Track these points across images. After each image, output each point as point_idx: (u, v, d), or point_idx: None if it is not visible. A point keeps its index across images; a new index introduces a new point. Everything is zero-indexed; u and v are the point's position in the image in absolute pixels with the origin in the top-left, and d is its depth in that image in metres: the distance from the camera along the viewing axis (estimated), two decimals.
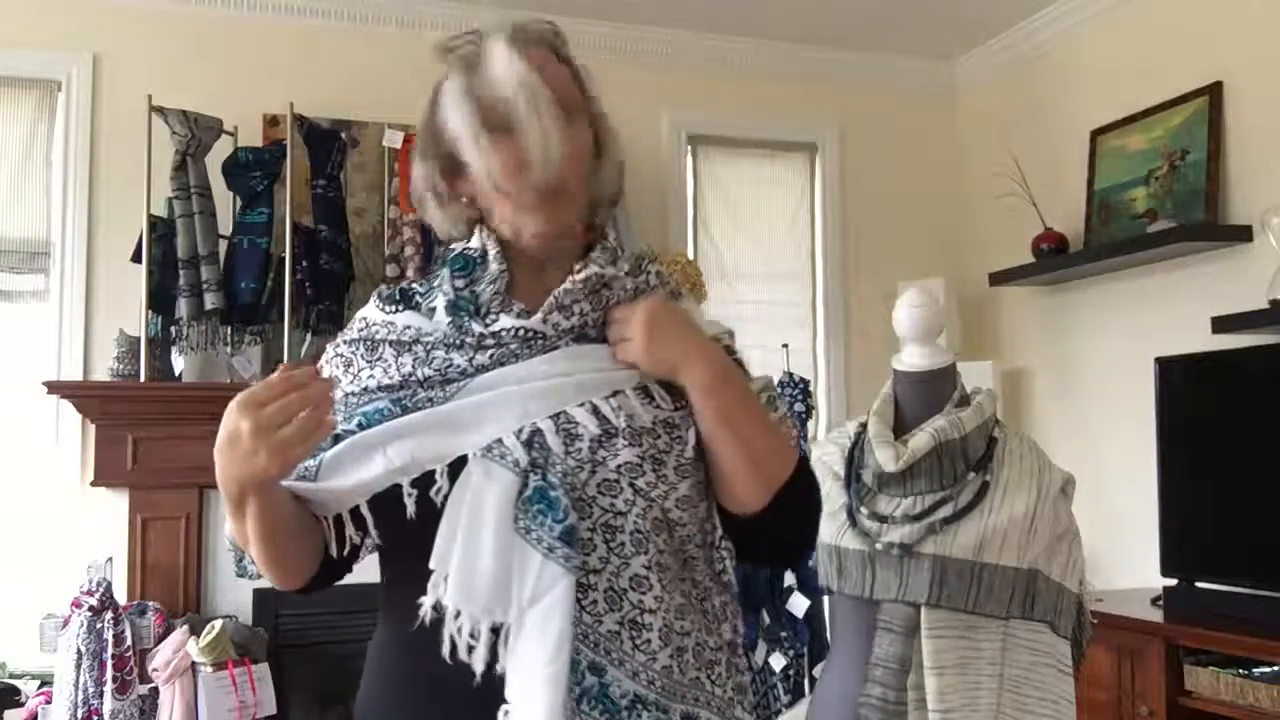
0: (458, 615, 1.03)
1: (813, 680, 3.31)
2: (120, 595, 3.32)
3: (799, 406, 3.56)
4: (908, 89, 4.65)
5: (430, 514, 1.07)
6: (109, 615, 3.13)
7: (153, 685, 3.20)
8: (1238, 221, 3.35)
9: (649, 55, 4.26)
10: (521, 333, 1.12)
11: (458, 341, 1.13)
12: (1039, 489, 1.72)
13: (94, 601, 3.12)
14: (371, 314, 1.20)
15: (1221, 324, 3.18)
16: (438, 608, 1.04)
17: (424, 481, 1.08)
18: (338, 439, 1.11)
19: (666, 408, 1.15)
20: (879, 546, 1.75)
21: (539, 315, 1.13)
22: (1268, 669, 2.64)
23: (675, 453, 1.13)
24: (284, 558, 1.11)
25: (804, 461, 1.21)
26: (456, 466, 1.08)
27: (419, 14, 4.03)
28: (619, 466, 1.09)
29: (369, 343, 1.16)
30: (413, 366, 1.13)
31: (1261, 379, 2.97)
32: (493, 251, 1.17)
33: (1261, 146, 3.32)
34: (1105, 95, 3.88)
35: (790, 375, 3.63)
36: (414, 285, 1.22)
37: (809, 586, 3.25)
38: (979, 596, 1.68)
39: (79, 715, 3.07)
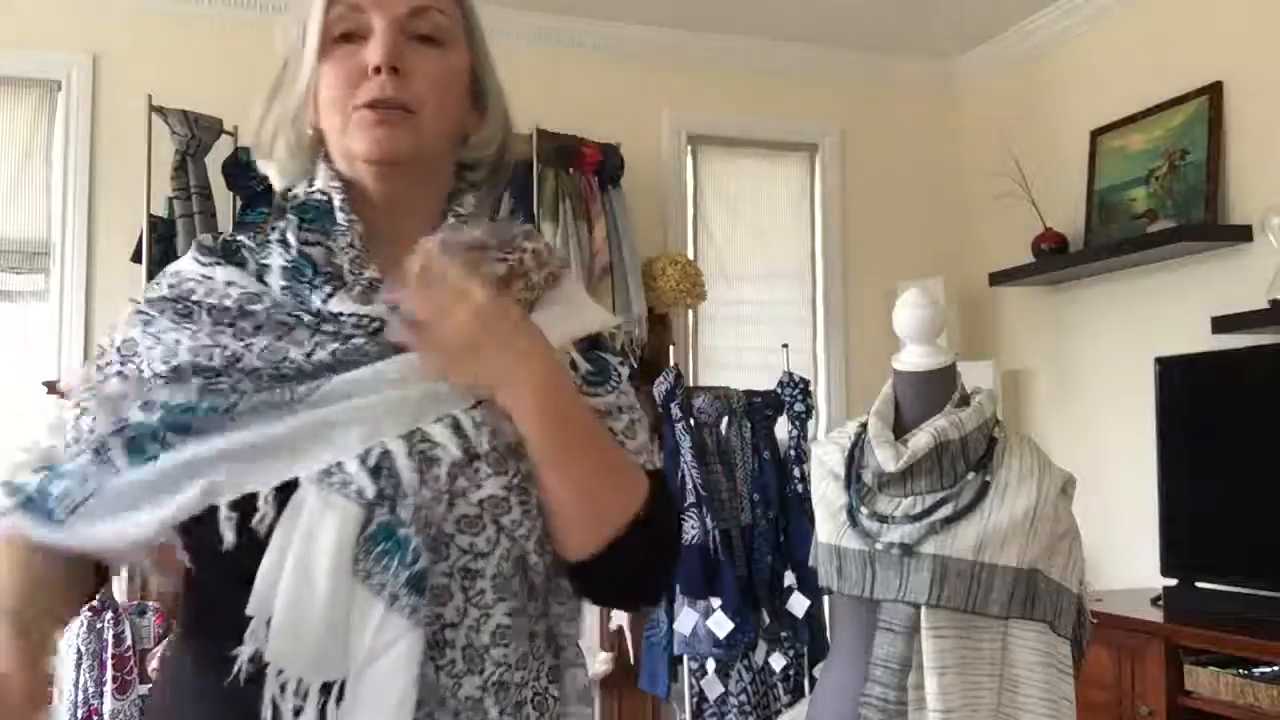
0: (280, 672, 0.86)
1: (813, 680, 3.32)
2: (120, 595, 3.32)
3: (799, 406, 3.56)
4: (908, 89, 4.65)
5: (249, 546, 0.88)
6: (109, 615, 3.14)
7: (153, 685, 3.20)
8: (1238, 221, 3.35)
9: (649, 55, 4.26)
10: (365, 322, 0.92)
11: (290, 320, 0.93)
12: (1039, 489, 1.72)
13: (94, 601, 3.12)
14: (186, 266, 0.99)
15: (1221, 324, 3.18)
16: (255, 659, 0.86)
17: (243, 505, 0.88)
18: (123, 431, 0.91)
19: None
20: (879, 546, 1.75)
21: (383, 304, 0.93)
22: (1268, 669, 2.64)
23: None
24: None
25: (656, 495, 0.99)
26: (284, 491, 0.89)
27: None
28: (482, 500, 0.91)
29: (180, 303, 0.95)
30: (237, 351, 0.92)
31: (1261, 379, 2.97)
32: (338, 200, 0.97)
33: (1261, 146, 3.32)
34: (1105, 95, 3.88)
35: (790, 375, 3.63)
36: (240, 237, 1.01)
37: (809, 586, 3.25)
38: (979, 596, 1.68)
39: (79, 715, 3.07)
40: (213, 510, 0.88)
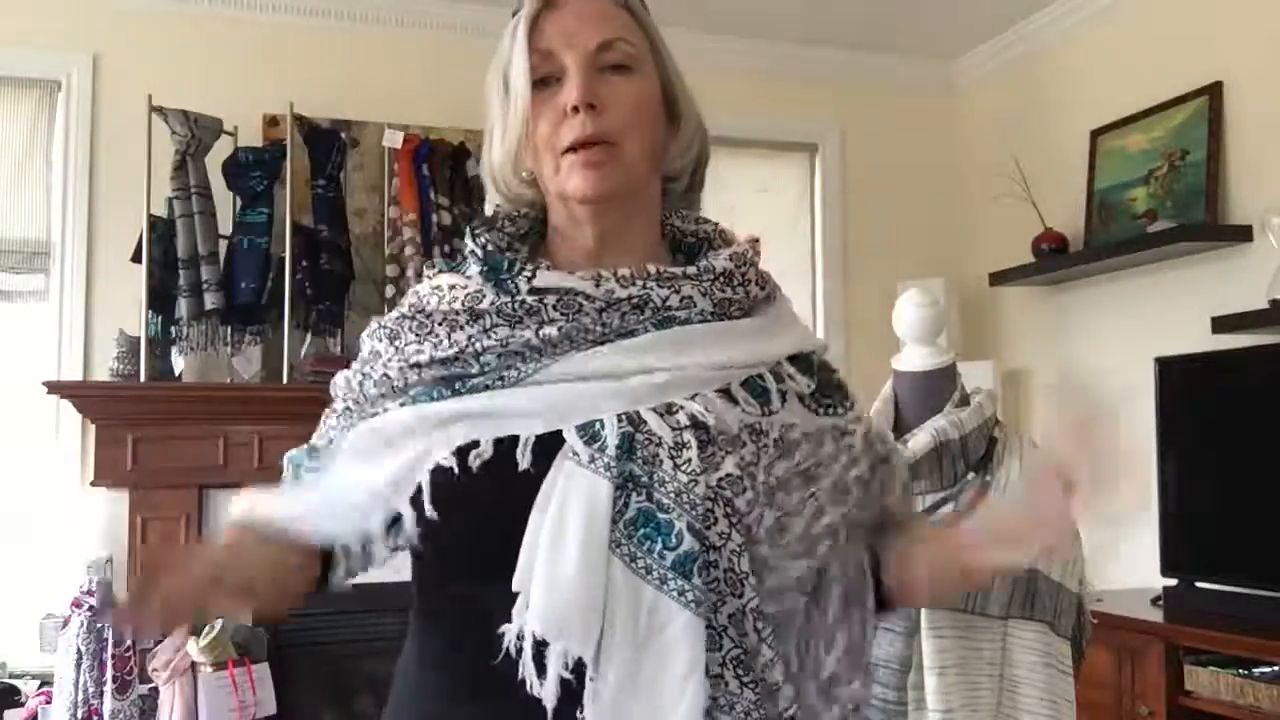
0: (537, 644, 0.90)
1: None
2: (120, 595, 3.32)
3: None
4: (908, 89, 4.64)
5: (470, 489, 0.94)
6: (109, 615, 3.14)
7: (153, 685, 3.20)
8: (1238, 221, 3.35)
9: None
10: (571, 296, 0.98)
11: (514, 313, 0.98)
12: None
13: (94, 601, 3.12)
14: (420, 286, 1.08)
15: (1221, 324, 3.18)
16: (520, 635, 0.91)
17: (464, 450, 0.95)
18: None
19: (753, 413, 0.99)
20: None
21: (589, 278, 0.98)
22: (1268, 669, 2.64)
23: (764, 464, 0.97)
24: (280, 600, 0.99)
25: None
26: (505, 443, 0.95)
27: (419, 14, 4.03)
28: (720, 480, 0.94)
29: (422, 314, 1.02)
30: (467, 341, 0.98)
31: (1261, 379, 2.97)
32: (522, 222, 1.06)
33: (1261, 146, 3.32)
34: (1105, 95, 3.88)
35: None
36: (460, 248, 1.11)
37: None
38: (979, 597, 1.68)
39: (79, 715, 3.07)
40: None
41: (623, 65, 1.03)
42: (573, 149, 0.99)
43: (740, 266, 1.05)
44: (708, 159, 1.14)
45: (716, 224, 1.12)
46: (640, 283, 0.99)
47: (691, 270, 1.02)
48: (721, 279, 1.02)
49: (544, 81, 1.01)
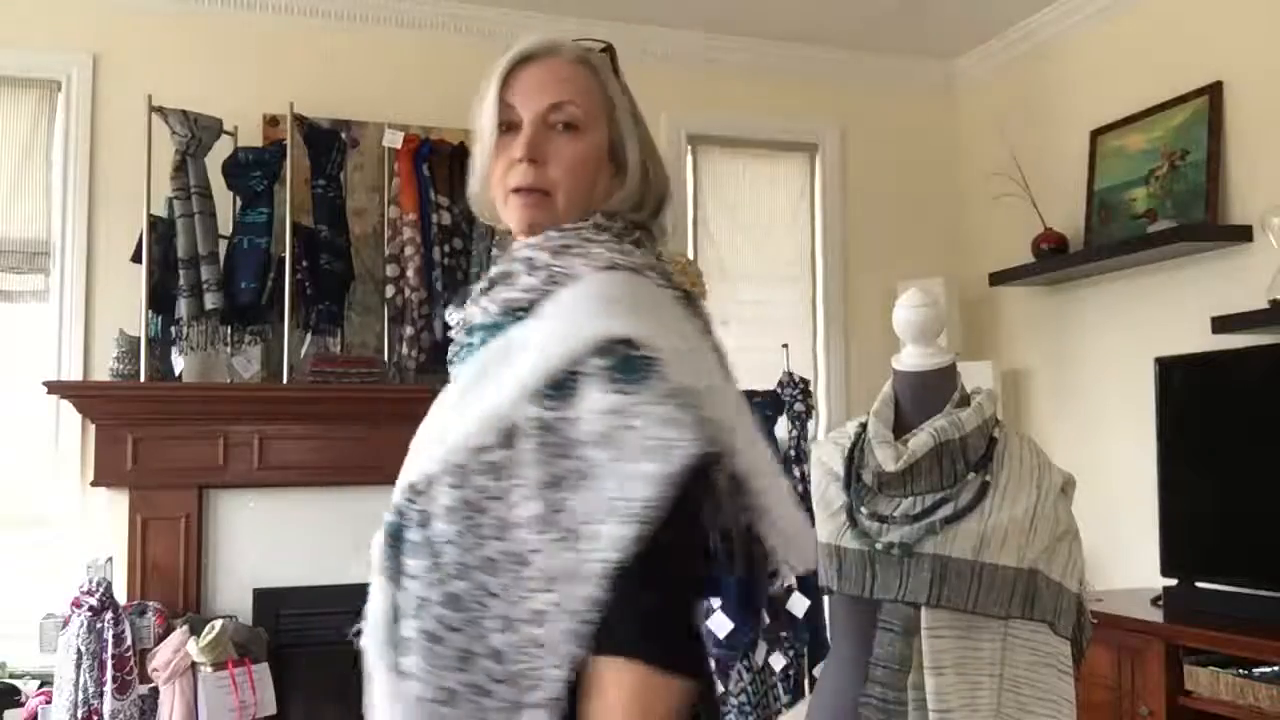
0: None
1: (813, 680, 3.31)
2: (120, 595, 3.32)
3: (799, 406, 3.56)
4: (908, 89, 4.65)
5: None
6: (109, 615, 3.14)
7: (153, 685, 3.20)
8: (1238, 221, 3.35)
9: (649, 55, 4.26)
10: (458, 325, 1.19)
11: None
12: (1039, 489, 1.72)
13: (94, 601, 3.13)
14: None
15: (1221, 324, 3.18)
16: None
17: None
18: None
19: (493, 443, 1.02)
20: (879, 546, 1.75)
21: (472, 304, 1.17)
22: (1268, 669, 2.64)
23: (504, 502, 1.01)
24: None
25: None
26: None
27: (419, 14, 4.03)
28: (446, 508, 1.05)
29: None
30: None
31: (1261, 379, 2.97)
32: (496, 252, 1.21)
33: (1261, 146, 3.32)
34: (1105, 95, 3.88)
35: (790, 375, 3.63)
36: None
37: (809, 586, 3.25)
38: (979, 596, 1.68)
39: (79, 715, 3.07)
40: None
41: (570, 124, 1.16)
42: (517, 190, 1.14)
43: (514, 262, 1.13)
44: (668, 198, 1.27)
45: (579, 230, 1.14)
46: (482, 302, 1.14)
47: (484, 283, 1.15)
48: (500, 279, 1.13)
49: (510, 127, 1.16)
